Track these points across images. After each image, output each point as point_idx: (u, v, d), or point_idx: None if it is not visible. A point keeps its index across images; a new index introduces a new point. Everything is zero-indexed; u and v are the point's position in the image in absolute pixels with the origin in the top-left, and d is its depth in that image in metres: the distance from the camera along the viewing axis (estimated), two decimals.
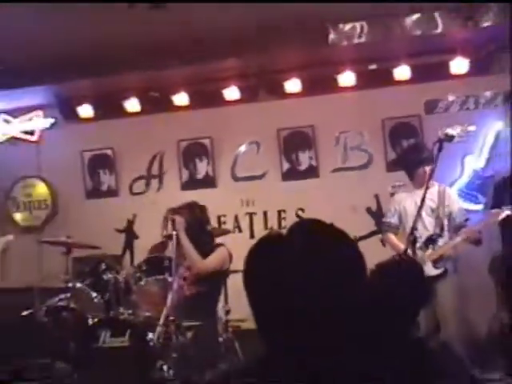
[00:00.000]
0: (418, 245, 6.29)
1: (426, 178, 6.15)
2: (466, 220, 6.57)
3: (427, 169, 6.24)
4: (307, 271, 1.54)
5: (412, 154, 6.93)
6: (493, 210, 6.76)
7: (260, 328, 1.60)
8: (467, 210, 7.16)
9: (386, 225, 6.87)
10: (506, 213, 6.42)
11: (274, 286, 1.56)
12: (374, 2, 6.04)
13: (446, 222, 6.51)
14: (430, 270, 6.10)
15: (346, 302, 1.55)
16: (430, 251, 6.35)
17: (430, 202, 6.36)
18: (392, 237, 6.73)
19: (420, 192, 6.07)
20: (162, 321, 5.96)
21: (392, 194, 7.30)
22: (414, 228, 5.91)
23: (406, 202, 6.63)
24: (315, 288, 1.52)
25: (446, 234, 6.48)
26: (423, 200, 5.81)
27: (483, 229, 6.56)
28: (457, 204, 6.69)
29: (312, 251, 1.58)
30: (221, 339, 6.49)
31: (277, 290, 1.56)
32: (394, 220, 6.74)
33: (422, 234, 6.35)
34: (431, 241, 6.41)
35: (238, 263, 5.89)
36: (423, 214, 6.14)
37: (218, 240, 6.85)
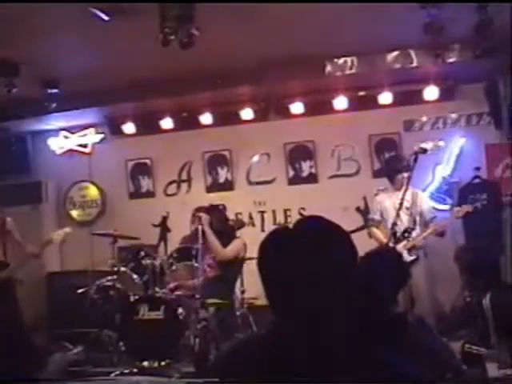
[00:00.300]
0: (396, 236, 6.30)
1: (404, 182, 6.15)
2: (434, 217, 6.58)
3: (405, 175, 6.26)
4: (309, 258, 1.53)
5: (393, 164, 6.91)
6: (455, 208, 6.79)
7: (271, 305, 1.59)
8: (437, 210, 7.20)
9: (370, 220, 6.86)
10: (466, 210, 6.45)
11: (283, 270, 1.55)
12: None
13: (417, 219, 6.49)
14: (406, 257, 6.08)
15: (343, 283, 1.54)
16: (405, 242, 6.34)
17: (405, 202, 6.33)
18: (376, 230, 6.70)
19: (397, 193, 6.09)
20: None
21: (376, 195, 7.29)
22: (394, 224, 5.92)
23: (386, 201, 6.62)
24: (317, 272, 1.51)
25: (418, 227, 6.47)
26: (402, 201, 5.80)
27: (448, 224, 6.58)
28: (426, 204, 6.68)
29: (313, 242, 1.57)
30: (238, 313, 6.49)
31: (285, 273, 1.54)
32: (376, 216, 6.72)
33: (399, 227, 6.34)
34: (406, 233, 6.39)
35: (252, 252, 5.90)
36: (400, 211, 6.14)
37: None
